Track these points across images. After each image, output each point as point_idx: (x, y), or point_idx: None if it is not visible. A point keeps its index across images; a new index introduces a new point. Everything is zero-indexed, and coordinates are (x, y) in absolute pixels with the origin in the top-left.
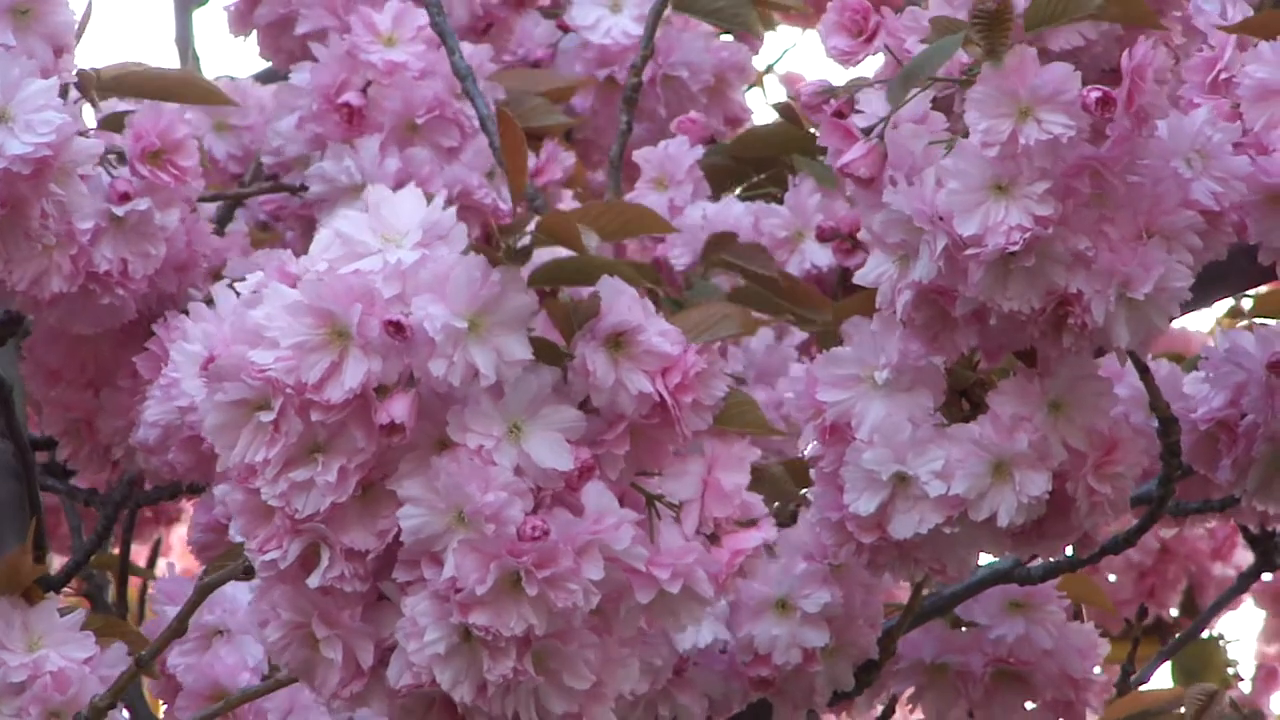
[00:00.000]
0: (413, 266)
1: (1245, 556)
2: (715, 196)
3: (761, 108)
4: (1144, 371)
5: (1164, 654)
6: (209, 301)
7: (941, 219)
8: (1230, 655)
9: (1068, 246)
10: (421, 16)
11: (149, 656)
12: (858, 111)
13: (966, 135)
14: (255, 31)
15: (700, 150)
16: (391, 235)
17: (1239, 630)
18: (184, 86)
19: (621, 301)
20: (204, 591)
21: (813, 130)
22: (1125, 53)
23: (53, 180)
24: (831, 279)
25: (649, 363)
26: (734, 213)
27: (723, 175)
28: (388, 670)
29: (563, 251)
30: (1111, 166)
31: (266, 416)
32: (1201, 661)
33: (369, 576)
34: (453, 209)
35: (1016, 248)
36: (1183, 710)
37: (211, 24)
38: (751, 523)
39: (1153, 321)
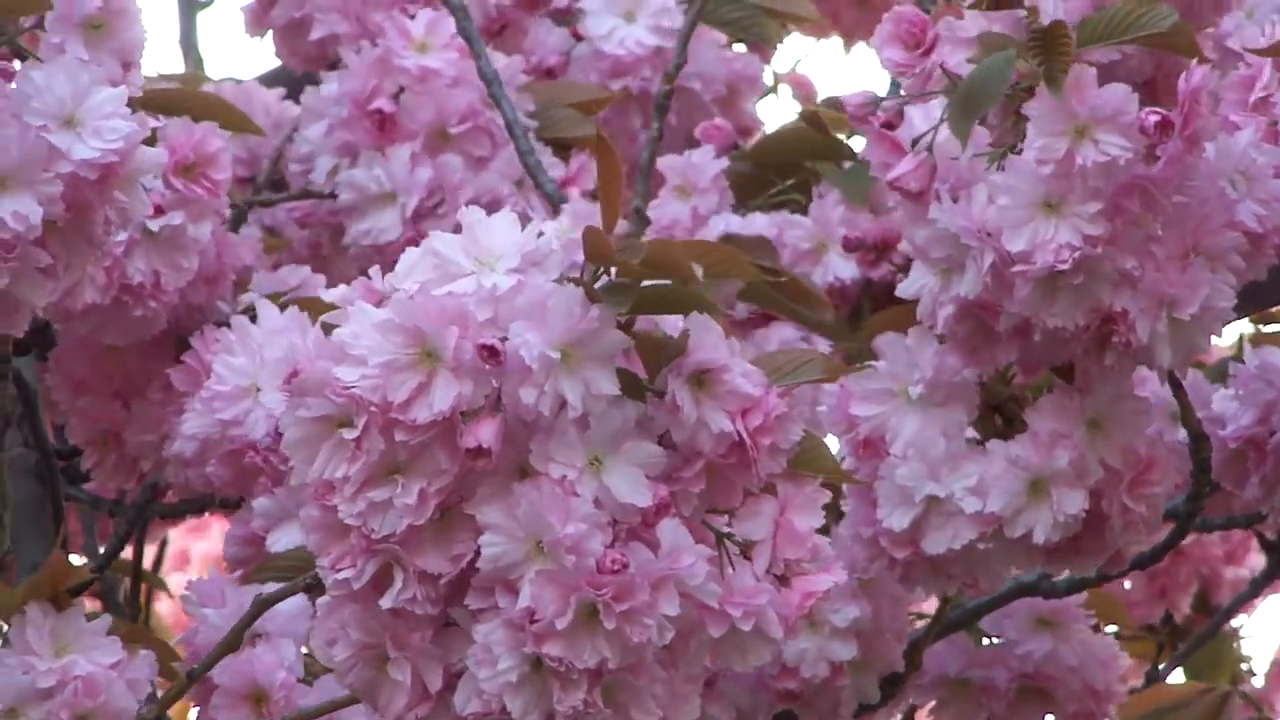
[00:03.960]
0: (508, 292)
1: (1258, 560)
2: (736, 202)
3: (776, 116)
4: (1178, 388)
5: (1179, 656)
6: (248, 313)
7: (990, 234)
8: (1244, 652)
9: (1115, 265)
10: (455, 24)
11: (200, 670)
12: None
13: (1011, 148)
14: (271, 33)
15: (725, 161)
16: (485, 258)
17: (1252, 628)
18: (215, 109)
19: (708, 340)
20: (261, 606)
21: (836, 136)
22: (1182, 76)
23: (117, 188)
24: (855, 291)
25: (731, 403)
26: (758, 225)
27: (743, 181)
28: (455, 696)
29: None
30: (1163, 187)
31: (349, 434)
32: (1212, 659)
33: (440, 600)
34: (551, 238)
35: (1065, 266)
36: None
37: (215, 25)
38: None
39: (1196, 341)
